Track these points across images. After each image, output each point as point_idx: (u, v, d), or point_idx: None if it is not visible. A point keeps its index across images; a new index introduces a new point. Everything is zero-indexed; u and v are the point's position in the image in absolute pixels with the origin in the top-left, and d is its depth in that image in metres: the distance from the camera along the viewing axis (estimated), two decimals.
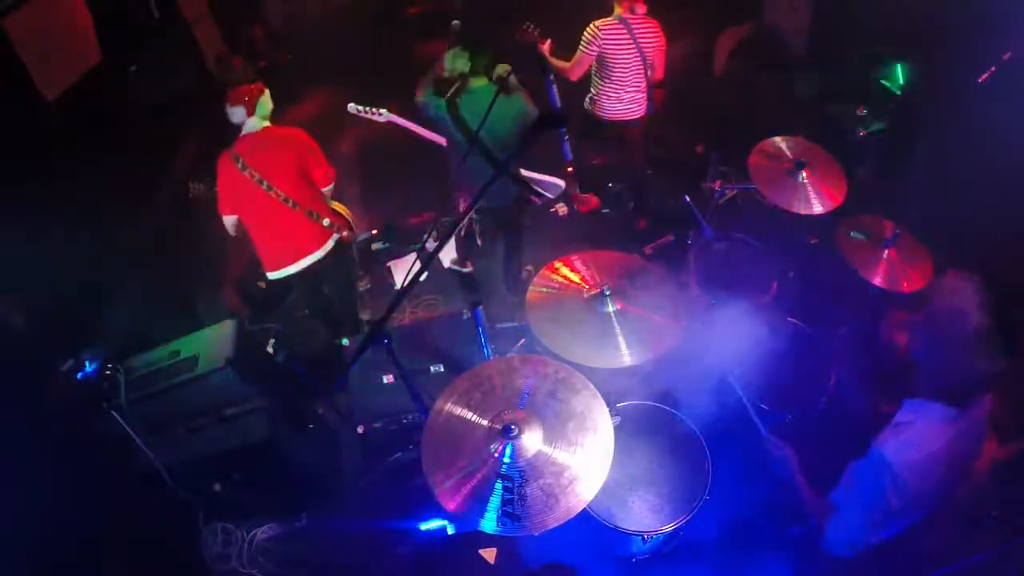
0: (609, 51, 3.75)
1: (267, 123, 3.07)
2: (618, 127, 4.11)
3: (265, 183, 3.00)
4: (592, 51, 3.76)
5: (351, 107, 4.01)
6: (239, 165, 2.98)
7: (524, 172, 3.55)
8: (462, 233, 3.76)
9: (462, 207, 3.49)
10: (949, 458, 1.64)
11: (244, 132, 3.05)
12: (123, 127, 3.72)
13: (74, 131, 3.32)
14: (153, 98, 4.20)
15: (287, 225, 3.14)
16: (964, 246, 2.87)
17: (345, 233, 3.39)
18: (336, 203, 3.48)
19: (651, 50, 3.80)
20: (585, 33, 3.75)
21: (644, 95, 3.98)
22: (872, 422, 1.80)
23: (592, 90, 4.05)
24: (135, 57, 4.09)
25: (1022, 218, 2.99)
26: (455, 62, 3.03)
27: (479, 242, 3.82)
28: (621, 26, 3.71)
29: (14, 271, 2.65)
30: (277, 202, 3.05)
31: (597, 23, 3.73)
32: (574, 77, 3.89)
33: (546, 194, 3.69)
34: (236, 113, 3.02)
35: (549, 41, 3.83)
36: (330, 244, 3.30)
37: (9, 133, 2.90)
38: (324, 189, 3.27)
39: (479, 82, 3.07)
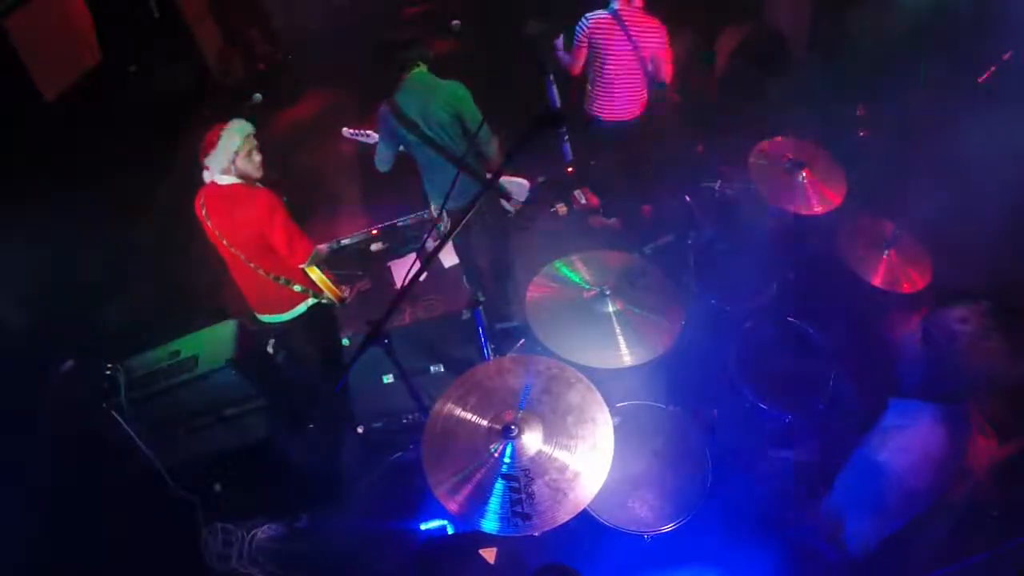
0: (597, 43, 3.65)
1: (233, 179, 2.65)
2: (616, 130, 3.98)
3: (225, 241, 2.73)
4: (582, 42, 3.69)
5: (345, 131, 3.86)
6: (204, 213, 2.72)
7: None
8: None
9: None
10: (942, 457, 1.64)
11: (209, 179, 2.69)
12: (123, 127, 3.72)
13: (74, 131, 3.32)
14: (153, 98, 4.19)
15: (252, 282, 2.89)
16: (964, 246, 2.87)
17: (324, 299, 3.05)
18: (314, 270, 2.97)
19: (649, 47, 3.62)
20: (576, 25, 3.70)
21: (640, 96, 3.84)
22: (865, 423, 1.81)
23: (588, 87, 3.93)
24: (135, 57, 4.09)
25: (1021, 219, 2.98)
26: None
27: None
28: (611, 18, 3.58)
29: (14, 271, 2.65)
30: (240, 260, 2.78)
31: (587, 15, 3.65)
32: (573, 71, 3.84)
33: (516, 197, 3.49)
34: (210, 160, 2.61)
35: (562, 36, 3.78)
36: (302, 308, 3.00)
37: (9, 133, 2.90)
38: (301, 265, 2.85)
39: (415, 71, 3.03)
